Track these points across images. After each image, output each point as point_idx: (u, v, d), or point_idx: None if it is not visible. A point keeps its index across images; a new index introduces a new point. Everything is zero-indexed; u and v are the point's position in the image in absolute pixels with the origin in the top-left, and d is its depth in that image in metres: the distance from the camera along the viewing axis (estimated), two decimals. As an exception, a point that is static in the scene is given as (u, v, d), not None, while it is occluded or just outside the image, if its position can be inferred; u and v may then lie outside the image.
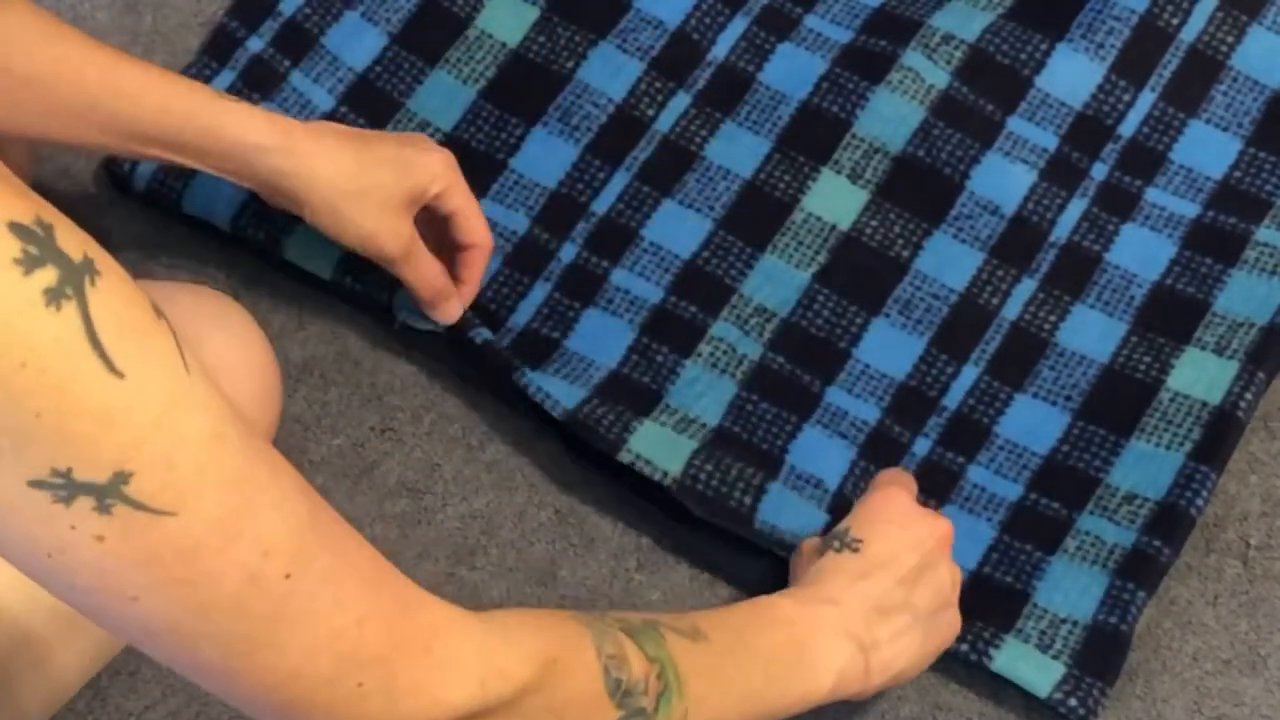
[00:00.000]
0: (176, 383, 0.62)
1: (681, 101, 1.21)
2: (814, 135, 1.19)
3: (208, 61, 1.22)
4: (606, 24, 1.24)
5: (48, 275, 0.58)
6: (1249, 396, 1.12)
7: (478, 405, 1.14)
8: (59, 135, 1.01)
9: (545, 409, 1.09)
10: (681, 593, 1.10)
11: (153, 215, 1.18)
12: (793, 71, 1.22)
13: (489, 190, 1.19)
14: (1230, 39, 1.23)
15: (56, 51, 0.98)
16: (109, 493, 0.61)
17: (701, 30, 1.23)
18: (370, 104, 1.21)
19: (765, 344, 1.14)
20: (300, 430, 1.14)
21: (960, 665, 1.06)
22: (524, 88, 1.22)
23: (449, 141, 1.20)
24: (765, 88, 1.21)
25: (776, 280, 1.16)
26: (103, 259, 0.61)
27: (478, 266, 1.12)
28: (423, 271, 1.09)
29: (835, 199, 1.18)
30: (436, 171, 1.07)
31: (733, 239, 1.17)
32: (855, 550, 0.99)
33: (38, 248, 0.58)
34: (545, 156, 1.20)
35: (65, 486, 0.60)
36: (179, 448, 0.62)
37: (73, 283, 0.59)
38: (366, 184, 1.04)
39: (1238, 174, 1.20)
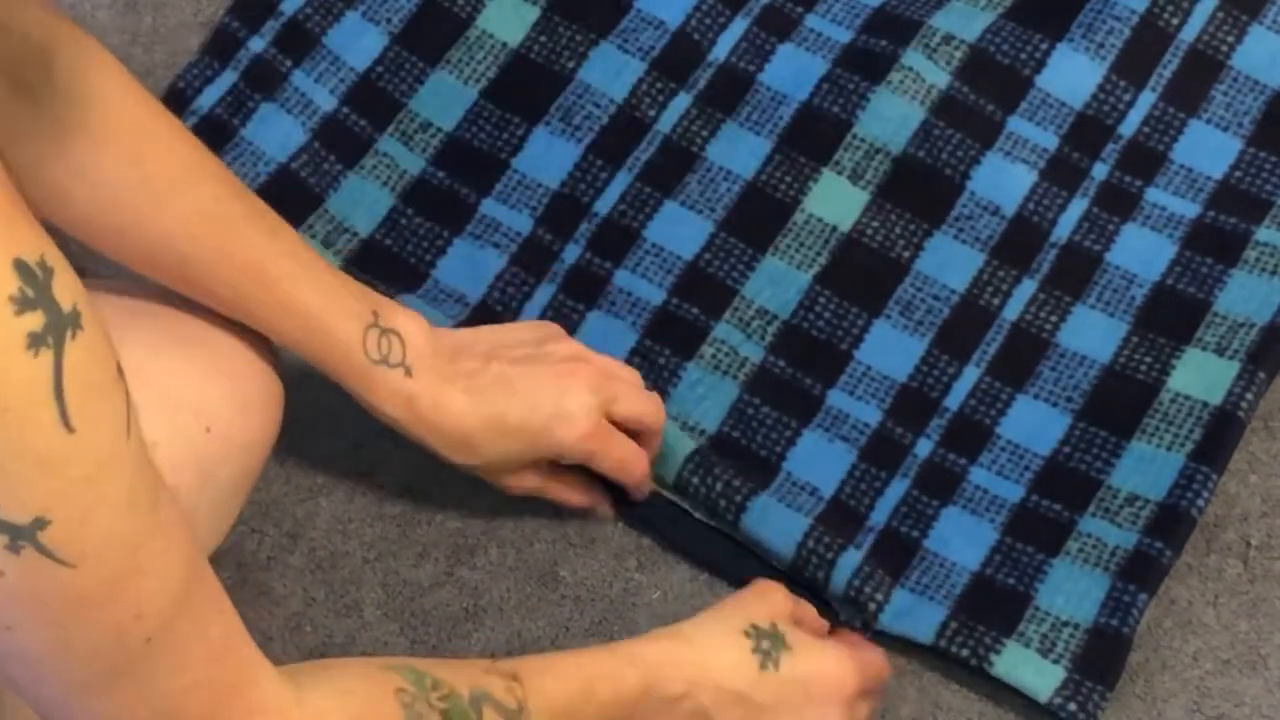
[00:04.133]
0: (115, 446, 0.64)
1: (682, 102, 1.21)
2: (815, 136, 1.19)
3: (209, 62, 1.22)
4: (607, 24, 1.24)
5: (35, 320, 0.60)
6: (1250, 397, 1.12)
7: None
8: (223, 309, 0.99)
9: None
10: (682, 593, 1.10)
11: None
12: (793, 72, 1.22)
13: (492, 190, 1.19)
14: (1230, 39, 1.23)
15: (219, 246, 0.96)
16: (24, 535, 0.62)
17: (702, 30, 1.23)
18: (372, 104, 1.21)
19: (767, 347, 1.14)
20: (301, 431, 1.13)
21: (961, 668, 1.07)
22: (525, 88, 1.22)
23: (451, 141, 1.20)
24: (766, 88, 1.21)
25: (778, 282, 1.16)
26: (88, 313, 0.63)
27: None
28: (570, 499, 1.10)
29: (836, 200, 1.18)
30: (565, 448, 1.05)
31: (734, 240, 1.17)
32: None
33: (34, 290, 0.60)
34: (547, 156, 1.20)
35: None
36: (97, 508, 0.64)
37: (55, 333, 0.61)
38: (488, 456, 1.04)
39: (1238, 174, 1.20)
